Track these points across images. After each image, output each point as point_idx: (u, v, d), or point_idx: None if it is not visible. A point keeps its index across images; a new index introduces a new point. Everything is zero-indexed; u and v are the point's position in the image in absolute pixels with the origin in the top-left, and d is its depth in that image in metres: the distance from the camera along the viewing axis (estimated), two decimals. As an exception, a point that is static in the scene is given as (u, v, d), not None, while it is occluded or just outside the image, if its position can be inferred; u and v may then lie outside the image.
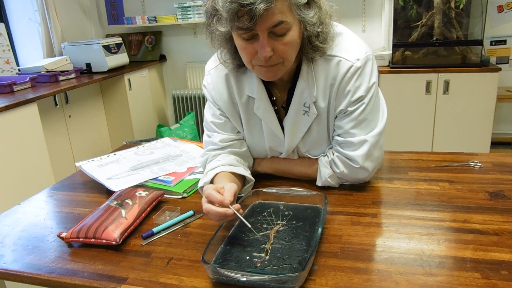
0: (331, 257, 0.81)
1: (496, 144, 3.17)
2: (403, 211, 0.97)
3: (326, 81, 1.01)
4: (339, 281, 0.74)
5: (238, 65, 1.03)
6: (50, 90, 2.78)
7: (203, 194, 0.88)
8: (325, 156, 1.11)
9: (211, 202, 0.85)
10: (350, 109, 1.01)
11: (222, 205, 0.84)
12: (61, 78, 3.10)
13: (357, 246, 0.84)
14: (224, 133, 1.14)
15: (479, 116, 2.88)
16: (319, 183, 1.12)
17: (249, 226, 0.87)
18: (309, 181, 1.15)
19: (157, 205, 1.08)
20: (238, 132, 1.15)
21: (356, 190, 1.10)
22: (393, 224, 0.92)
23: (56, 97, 3.01)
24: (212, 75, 1.12)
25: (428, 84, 2.90)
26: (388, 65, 3.07)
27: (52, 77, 3.04)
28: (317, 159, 1.12)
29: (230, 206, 0.84)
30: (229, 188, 0.88)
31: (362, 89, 1.00)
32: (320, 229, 0.83)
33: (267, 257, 0.79)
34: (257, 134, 1.14)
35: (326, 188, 1.11)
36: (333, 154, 1.08)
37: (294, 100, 1.05)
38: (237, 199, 0.95)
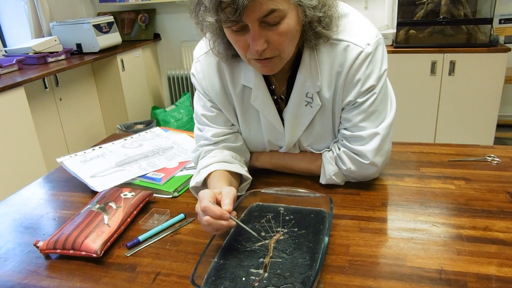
0: (338, 273, 0.72)
1: (502, 126, 3.07)
2: (416, 216, 0.88)
3: (332, 68, 0.90)
4: (348, 303, 0.65)
5: (234, 55, 0.92)
6: (38, 72, 2.65)
7: (199, 203, 0.77)
8: (329, 151, 1.01)
9: (209, 215, 0.74)
10: (359, 100, 0.90)
11: (222, 219, 0.74)
12: (50, 59, 2.96)
13: (367, 259, 0.75)
14: (217, 126, 1.03)
15: (485, 98, 2.77)
16: (322, 181, 1.02)
17: (255, 235, 0.78)
18: (312, 177, 1.05)
19: (145, 205, 0.98)
20: (232, 125, 1.05)
21: (364, 188, 1.00)
22: (406, 231, 0.83)
23: (46, 80, 2.88)
24: (202, 63, 1.00)
25: (433, 64, 2.77)
26: (392, 45, 2.93)
27: (40, 58, 2.90)
28: (321, 154, 1.02)
29: (231, 216, 0.74)
30: (228, 194, 0.77)
31: (373, 77, 0.89)
32: (326, 241, 0.74)
33: (266, 274, 0.70)
34: (254, 127, 1.03)
35: (330, 186, 1.01)
36: (339, 149, 0.98)
37: (295, 90, 0.94)
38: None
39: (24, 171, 2.45)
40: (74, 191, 1.09)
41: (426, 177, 1.04)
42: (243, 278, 0.69)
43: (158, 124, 3.54)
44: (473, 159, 1.11)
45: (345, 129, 0.96)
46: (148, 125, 3.47)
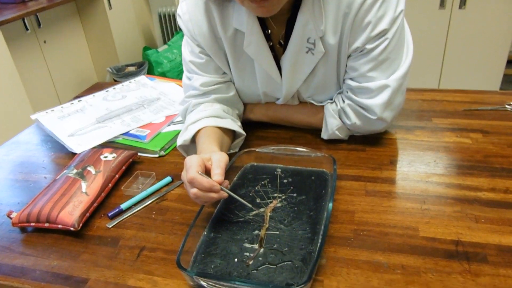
0: (342, 245, 0.65)
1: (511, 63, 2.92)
2: (428, 176, 0.79)
3: (338, 10, 0.76)
4: (354, 283, 0.58)
5: None
6: (16, 12, 2.45)
7: (185, 171, 0.67)
8: (332, 103, 0.90)
9: (196, 187, 0.65)
10: (368, 46, 0.78)
11: (211, 191, 0.65)
12: (28, -2, 2.74)
13: (374, 229, 0.67)
14: (207, 75, 0.91)
15: (497, 34, 2.59)
16: (324, 136, 0.92)
17: (250, 206, 0.69)
18: (312, 131, 0.95)
19: (129, 167, 0.89)
20: (224, 73, 0.93)
21: (370, 144, 0.91)
22: (417, 195, 0.74)
23: (26, 21, 2.68)
24: (188, 2, 0.86)
25: (443, -4, 2.57)
26: (399, -25, 2.69)
27: (17, -3, 2.67)
28: (323, 106, 0.91)
29: (222, 187, 0.65)
30: (218, 163, 0.67)
31: (386, 20, 0.75)
32: (329, 209, 0.65)
33: (262, 249, 0.62)
34: (248, 77, 0.92)
35: (332, 141, 0.92)
36: (344, 101, 0.87)
37: (295, 34, 0.81)
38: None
39: (11, 121, 2.34)
40: (53, 151, 1.00)
41: (439, 129, 0.94)
42: (235, 259, 0.61)
43: (151, 66, 3.38)
44: (491, 107, 1.01)
45: (351, 79, 0.84)
46: (140, 67, 3.31)
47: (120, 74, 3.23)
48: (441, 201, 0.72)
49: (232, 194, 0.66)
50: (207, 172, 0.67)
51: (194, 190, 0.64)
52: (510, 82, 3.10)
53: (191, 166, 0.65)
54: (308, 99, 0.92)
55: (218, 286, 0.54)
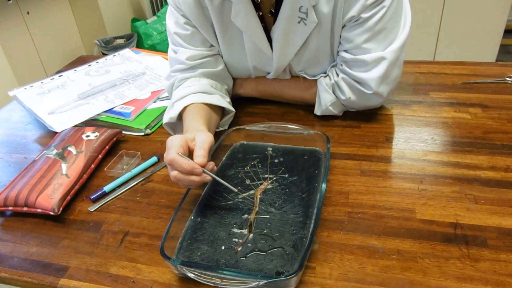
0: (335, 229, 0.62)
1: (510, 32, 2.86)
2: (426, 154, 0.75)
3: (332, -25, 0.71)
4: (347, 270, 0.55)
5: None
6: (-4, -18, 2.34)
7: (166, 152, 0.62)
8: (326, 76, 0.85)
9: (176, 170, 0.61)
10: (364, 15, 0.73)
11: (192, 174, 0.60)
12: (8, -34, 2.60)
13: (369, 211, 0.64)
14: (193, 48, 0.86)
15: (494, 2, 2.52)
16: (318, 111, 0.88)
17: (235, 190, 0.65)
18: (304, 106, 0.91)
19: (113, 146, 0.85)
20: (211, 46, 0.87)
21: (365, 120, 0.87)
22: (414, 174, 0.71)
23: (7, -9, 2.56)
24: (171, -32, 0.80)
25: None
26: None
27: (-4, -35, 2.54)
28: (316, 81, 0.86)
29: (205, 170, 0.61)
30: (202, 143, 0.63)
31: (383, -13, 0.70)
32: (323, 191, 0.62)
33: (251, 235, 0.59)
34: (237, 50, 0.86)
35: (326, 117, 0.88)
36: (338, 75, 0.83)
37: (286, 2, 0.76)
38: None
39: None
40: (34, 129, 0.95)
41: (437, 104, 0.90)
42: (223, 246, 0.58)
43: (140, 38, 3.28)
44: (491, 80, 0.97)
45: (345, 51, 0.79)
46: (128, 39, 3.21)
47: (109, 47, 3.13)
48: (439, 180, 0.69)
49: (215, 177, 0.62)
50: (191, 153, 0.63)
51: (174, 173, 0.60)
52: (507, 53, 3.05)
53: (172, 147, 0.61)
54: (300, 73, 0.87)
55: (204, 275, 0.51)
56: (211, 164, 0.63)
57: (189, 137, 0.64)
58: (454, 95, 0.93)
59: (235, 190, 0.65)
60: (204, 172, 0.60)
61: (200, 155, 0.61)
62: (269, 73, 0.89)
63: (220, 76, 0.89)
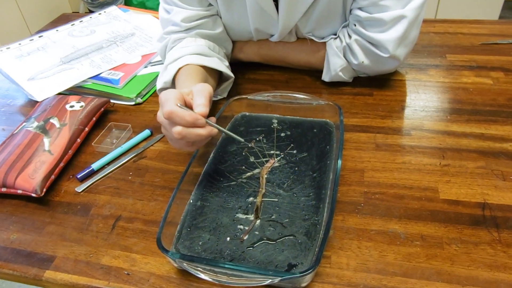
0: (351, 213, 0.56)
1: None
2: (447, 125, 0.69)
3: None
4: (366, 259, 0.50)
5: None
6: None
7: (161, 108, 0.54)
8: (336, 38, 0.77)
9: (177, 123, 0.52)
10: (382, -32, 0.64)
11: (196, 126, 0.52)
12: None
13: (387, 191, 0.58)
14: (189, 7, 0.76)
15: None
16: (326, 77, 0.80)
17: (242, 140, 0.58)
18: (311, 72, 0.83)
19: (100, 118, 0.77)
20: (210, 5, 0.78)
21: (377, 87, 0.79)
22: (435, 148, 0.64)
23: None
24: None
25: None
26: None
27: None
28: (325, 43, 0.78)
29: (209, 121, 0.53)
30: (200, 92, 0.54)
31: None
32: (338, 169, 0.55)
33: (258, 221, 0.53)
34: (238, 10, 0.77)
35: (334, 84, 0.80)
36: (350, 37, 0.74)
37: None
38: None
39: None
40: (12, 98, 0.86)
41: (456, 67, 0.83)
42: (227, 233, 0.51)
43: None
44: (513, 41, 0.89)
45: (360, 9, 0.70)
46: (116, -5, 3.03)
47: (95, 3, 2.95)
48: (462, 155, 0.63)
49: (221, 128, 0.55)
50: (188, 108, 0.54)
51: (177, 129, 0.51)
52: (511, 9, 2.93)
53: (168, 99, 0.52)
54: (307, 35, 0.78)
55: (207, 272, 0.45)
56: (212, 118, 0.55)
57: (185, 91, 0.55)
58: (474, 58, 0.85)
59: (242, 140, 0.57)
60: (208, 124, 0.53)
61: (201, 104, 0.52)
62: (272, 35, 0.80)
63: (218, 39, 0.80)
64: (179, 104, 0.52)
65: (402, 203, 0.56)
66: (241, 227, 0.52)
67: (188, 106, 0.54)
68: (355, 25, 0.72)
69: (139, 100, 0.81)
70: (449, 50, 0.89)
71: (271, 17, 0.74)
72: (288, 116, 0.70)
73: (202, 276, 0.45)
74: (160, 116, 0.54)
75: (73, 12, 3.03)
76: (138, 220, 0.58)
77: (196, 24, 0.77)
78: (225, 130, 0.56)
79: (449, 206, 0.55)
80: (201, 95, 0.54)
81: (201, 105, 0.52)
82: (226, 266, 0.44)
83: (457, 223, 0.53)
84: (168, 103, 0.52)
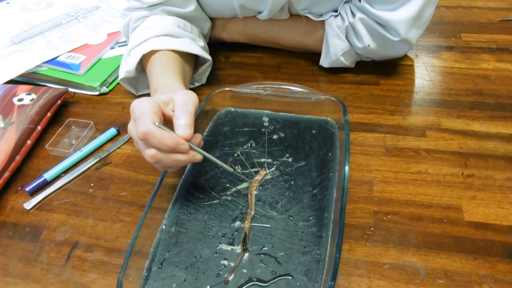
0: (359, 240, 0.46)
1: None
2: (467, 123, 0.58)
3: None
4: (379, 304, 0.40)
5: None
6: None
7: (133, 123, 0.42)
8: (337, 16, 0.65)
9: (154, 147, 0.41)
10: None
11: (177, 152, 0.42)
12: None
13: (402, 210, 0.48)
14: None
15: None
16: (324, 63, 0.68)
17: (231, 170, 0.48)
18: (307, 55, 0.71)
19: (57, 111, 0.65)
20: (181, -25, 0.65)
21: (384, 74, 0.68)
22: (455, 153, 0.54)
23: None
24: None
25: None
26: None
27: None
28: (323, 22, 0.66)
29: (193, 145, 0.43)
30: (183, 106, 0.42)
31: None
32: (345, 187, 0.44)
33: (246, 254, 0.43)
34: (219, -20, 0.64)
35: (334, 70, 0.69)
36: (354, 15, 0.62)
37: None
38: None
39: None
40: (-46, 85, 0.73)
41: (473, 50, 0.72)
42: (207, 272, 0.41)
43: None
44: (538, 18, 0.78)
45: (367, -18, 0.58)
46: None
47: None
48: (488, 162, 0.53)
49: (208, 155, 0.44)
50: (166, 121, 0.43)
51: (151, 152, 0.41)
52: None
53: (142, 114, 0.41)
54: (303, 12, 0.66)
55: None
56: (198, 136, 0.44)
57: (164, 100, 0.44)
58: (493, 38, 0.74)
59: (231, 170, 0.47)
60: (191, 148, 0.42)
61: (184, 124, 0.41)
62: (261, 12, 0.68)
63: (190, 18, 0.67)
64: (157, 123, 0.40)
65: (420, 227, 0.46)
66: (225, 262, 0.42)
67: (167, 118, 0.43)
68: (360, 1, 0.60)
69: (104, 89, 0.69)
70: (464, 28, 0.77)
71: (260, -9, 0.62)
72: (281, 113, 0.59)
73: None
74: (132, 130, 0.43)
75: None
76: (99, 248, 0.47)
77: (161, 0, 0.63)
78: (213, 158, 0.44)
79: (476, 231, 0.46)
80: (184, 111, 0.42)
81: (184, 126, 0.41)
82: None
83: (488, 254, 0.44)
84: (143, 119, 0.40)
